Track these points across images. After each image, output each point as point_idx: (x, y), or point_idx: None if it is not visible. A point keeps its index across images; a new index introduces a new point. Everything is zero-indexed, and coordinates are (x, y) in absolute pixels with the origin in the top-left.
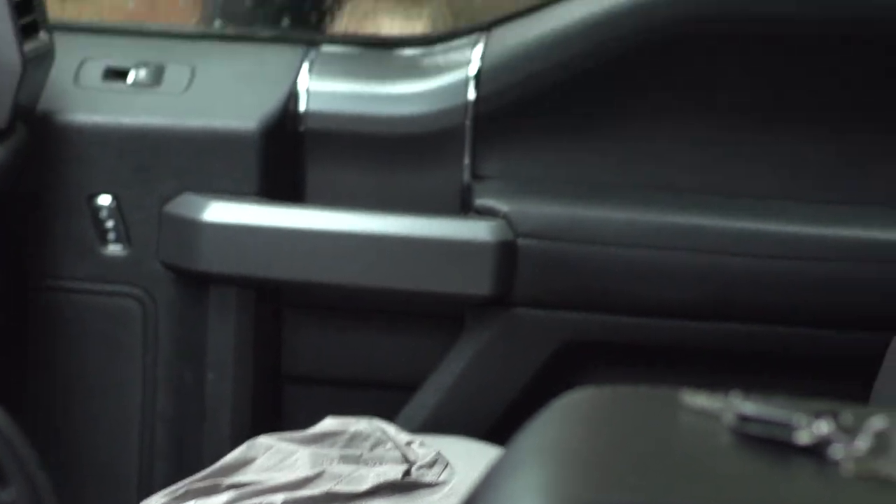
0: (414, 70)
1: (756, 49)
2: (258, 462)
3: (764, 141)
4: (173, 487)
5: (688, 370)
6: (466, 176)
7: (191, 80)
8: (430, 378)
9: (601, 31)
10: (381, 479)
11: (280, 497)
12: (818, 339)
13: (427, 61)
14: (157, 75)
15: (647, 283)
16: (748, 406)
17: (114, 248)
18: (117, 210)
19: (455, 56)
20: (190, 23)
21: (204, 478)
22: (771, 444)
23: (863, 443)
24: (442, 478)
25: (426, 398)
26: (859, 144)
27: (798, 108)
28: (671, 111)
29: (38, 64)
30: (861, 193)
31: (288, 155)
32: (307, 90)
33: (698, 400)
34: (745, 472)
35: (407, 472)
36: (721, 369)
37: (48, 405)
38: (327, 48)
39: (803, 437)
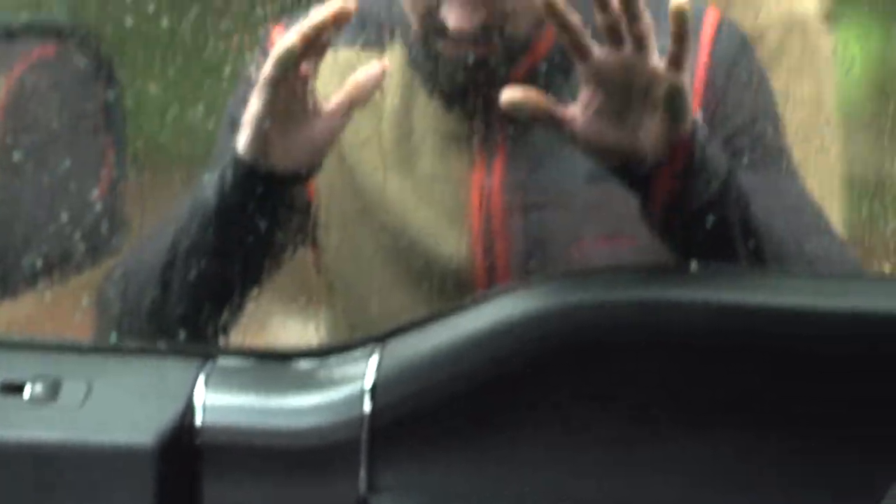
0: (310, 382)
1: (661, 355)
2: None
3: (665, 447)
4: None
5: None
6: (363, 488)
7: (87, 395)
8: None
9: (498, 344)
10: None
11: None
12: None
13: (322, 373)
14: (53, 389)
15: None
16: None
17: None
18: None
19: (350, 368)
20: (86, 336)
21: None
22: None
23: None
24: None
25: None
26: (762, 452)
27: (699, 414)
28: (572, 418)
29: None
30: (760, 499)
31: (184, 469)
32: (203, 404)
33: None
34: None
35: None
36: None
37: None
38: (223, 360)
39: None
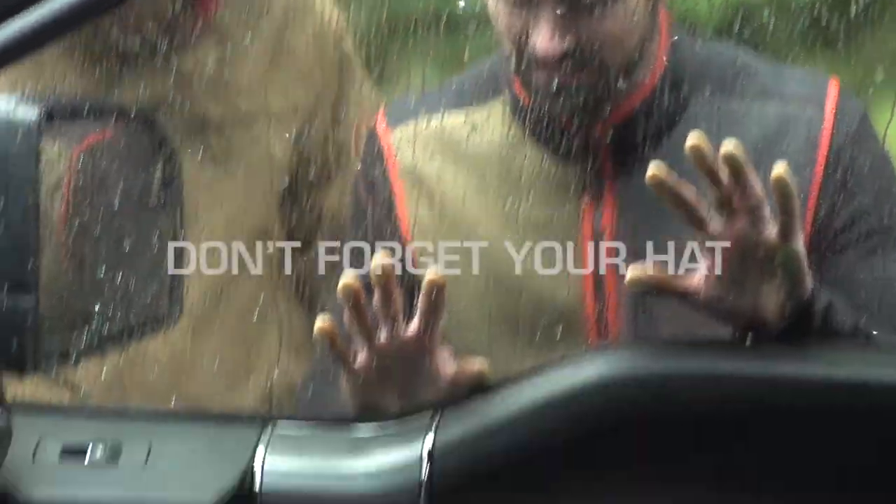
0: (368, 448)
1: (722, 427)
2: None
3: None
4: None
5: None
6: None
7: (148, 458)
8: None
9: (554, 414)
10: None
11: None
12: None
13: (381, 440)
14: (114, 453)
15: None
16: None
17: None
18: None
19: (409, 435)
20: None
21: None
22: None
23: None
24: None
25: None
26: None
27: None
28: (632, 489)
29: None
30: None
31: None
32: (263, 468)
33: None
34: None
35: None
36: None
37: None
38: (283, 426)
39: None
